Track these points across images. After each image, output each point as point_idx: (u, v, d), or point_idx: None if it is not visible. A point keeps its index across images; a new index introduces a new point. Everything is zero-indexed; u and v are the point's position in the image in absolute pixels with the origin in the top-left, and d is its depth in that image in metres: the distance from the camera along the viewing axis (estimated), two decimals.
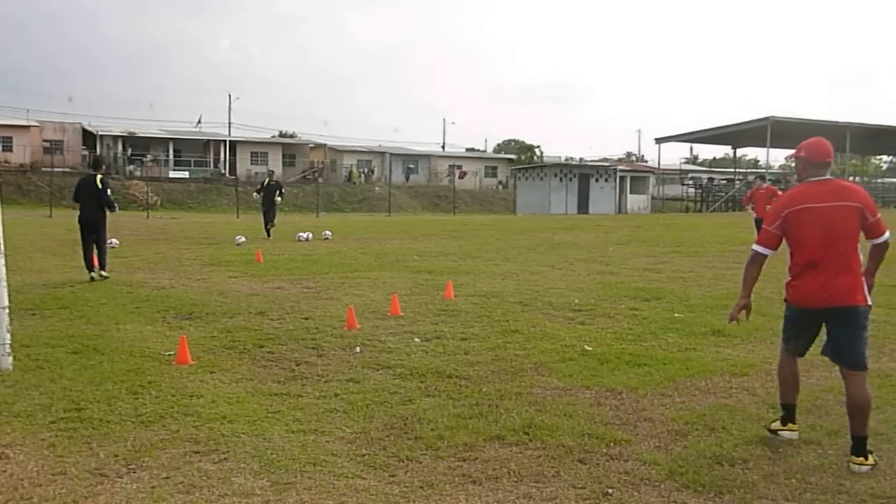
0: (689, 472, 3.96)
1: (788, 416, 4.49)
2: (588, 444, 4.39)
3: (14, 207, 34.55)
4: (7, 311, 6.05)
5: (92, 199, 11.37)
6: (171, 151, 55.42)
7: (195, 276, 12.21)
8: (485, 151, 79.98)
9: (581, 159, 72.47)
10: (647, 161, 76.09)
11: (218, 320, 8.18)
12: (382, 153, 64.36)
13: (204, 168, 55.33)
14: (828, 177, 4.24)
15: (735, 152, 66.97)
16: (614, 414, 4.97)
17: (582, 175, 51.93)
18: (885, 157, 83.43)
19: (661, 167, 59.48)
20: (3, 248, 5.98)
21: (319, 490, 3.74)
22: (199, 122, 65.17)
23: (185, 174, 52.99)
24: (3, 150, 50.34)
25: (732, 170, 63.13)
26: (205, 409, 5.02)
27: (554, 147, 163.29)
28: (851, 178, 65.64)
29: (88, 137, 54.20)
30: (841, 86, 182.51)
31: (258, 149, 58.92)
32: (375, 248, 17.80)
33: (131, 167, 52.45)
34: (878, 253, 4.24)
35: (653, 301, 9.40)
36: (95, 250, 11.48)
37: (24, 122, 52.72)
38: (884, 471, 4.00)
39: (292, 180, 52.61)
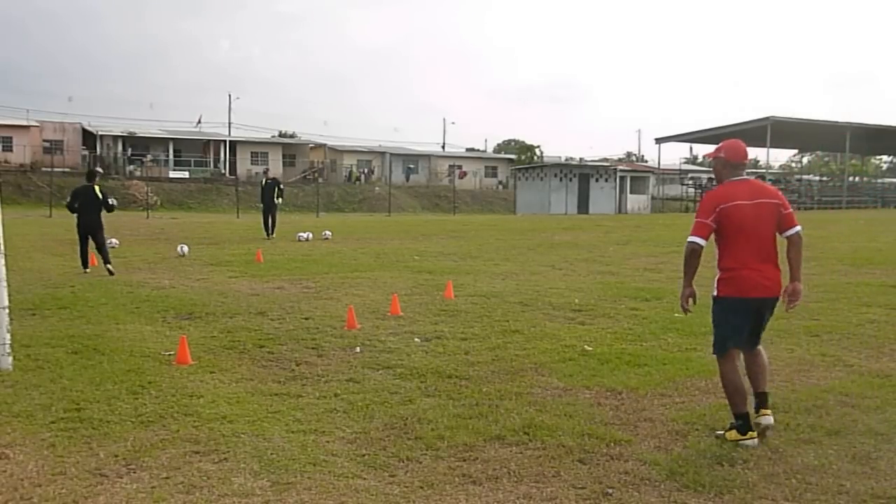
0: (689, 472, 3.96)
1: (746, 424, 4.37)
2: (588, 444, 4.39)
3: (14, 207, 34.56)
4: (7, 311, 6.05)
5: (92, 208, 12.20)
6: (171, 151, 55.40)
7: (195, 276, 12.21)
8: (485, 151, 79.98)
9: (581, 159, 72.46)
10: (647, 161, 76.09)
11: (218, 320, 8.18)
12: (382, 153, 64.35)
13: (204, 168, 55.31)
14: (745, 176, 4.57)
15: None
16: (614, 414, 4.97)
17: (582, 175, 51.91)
18: (885, 157, 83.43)
19: (661, 167, 59.46)
20: (3, 248, 5.98)
21: (319, 490, 3.75)
22: (199, 122, 65.20)
23: (185, 174, 52.96)
24: (3, 150, 50.33)
25: None
26: (205, 409, 5.02)
27: (554, 147, 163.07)
28: (851, 178, 65.76)
29: (88, 137, 54.18)
30: (841, 86, 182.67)
31: (258, 149, 58.90)
32: (375, 248, 17.80)
33: (131, 167, 52.40)
34: (796, 242, 4.50)
35: (653, 301, 9.40)
36: (95, 251, 12.27)
37: (24, 122, 52.72)
38: (884, 471, 3.99)
39: (292, 180, 52.60)
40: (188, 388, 5.49)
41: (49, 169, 44.39)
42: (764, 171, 50.77)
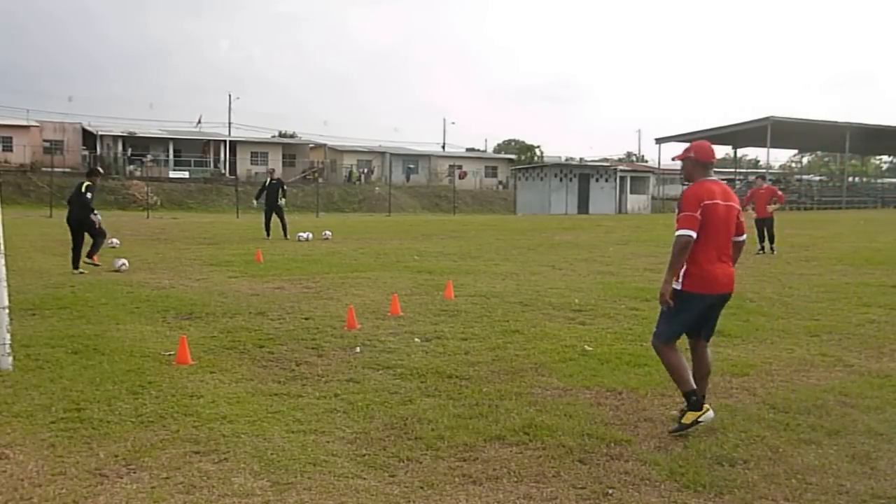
0: (689, 472, 3.97)
1: (698, 399, 4.54)
2: (588, 444, 4.39)
3: (14, 207, 34.57)
4: (7, 311, 6.05)
5: (75, 202, 12.69)
6: (171, 151, 55.42)
7: (195, 276, 12.21)
8: (485, 151, 79.98)
9: (581, 159, 72.53)
10: (647, 161, 76.13)
11: (218, 320, 8.18)
12: (382, 153, 64.36)
13: (204, 168, 55.33)
14: (714, 177, 4.78)
15: (735, 152, 67.02)
16: (614, 414, 4.97)
17: (582, 175, 51.93)
18: (884, 158, 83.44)
19: (661, 167, 59.46)
20: (3, 248, 5.97)
21: (319, 490, 3.74)
22: (199, 122, 65.30)
23: (185, 174, 52.98)
24: (3, 150, 50.35)
25: (732, 170, 63.17)
26: (205, 409, 5.01)
27: (554, 147, 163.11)
28: (851, 179, 65.80)
29: (88, 137, 54.20)
30: (840, 86, 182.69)
31: (258, 149, 58.94)
32: (375, 248, 17.80)
33: (131, 167, 52.43)
34: (740, 247, 4.89)
35: (653, 301, 9.35)
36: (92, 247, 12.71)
37: (24, 122, 52.74)
38: (884, 471, 4.00)
39: (292, 180, 52.52)
40: (188, 389, 5.49)
41: (49, 169, 44.37)
42: (764, 170, 50.70)
